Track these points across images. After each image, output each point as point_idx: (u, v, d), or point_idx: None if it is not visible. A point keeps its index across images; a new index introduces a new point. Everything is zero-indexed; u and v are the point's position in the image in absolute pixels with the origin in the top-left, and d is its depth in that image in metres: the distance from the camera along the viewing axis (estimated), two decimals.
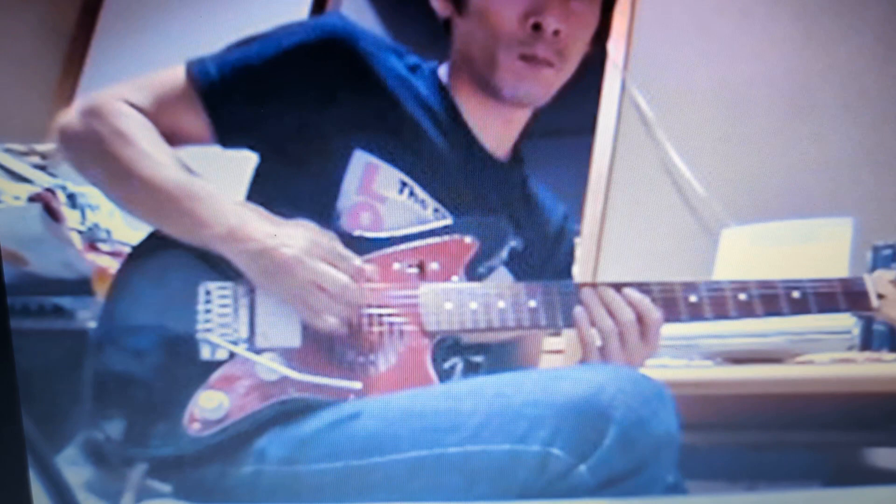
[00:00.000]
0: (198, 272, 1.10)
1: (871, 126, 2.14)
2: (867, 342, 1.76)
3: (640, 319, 1.12)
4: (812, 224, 1.91)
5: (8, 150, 1.84)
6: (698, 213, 2.21)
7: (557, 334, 1.89)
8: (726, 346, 1.73)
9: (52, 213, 1.63)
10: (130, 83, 1.17)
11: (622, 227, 2.29)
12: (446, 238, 1.16)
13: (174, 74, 1.17)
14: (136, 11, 2.94)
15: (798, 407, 1.74)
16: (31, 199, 1.69)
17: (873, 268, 1.80)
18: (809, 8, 2.27)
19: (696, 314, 1.15)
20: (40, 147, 1.87)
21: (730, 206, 2.16)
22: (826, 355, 1.66)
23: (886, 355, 1.69)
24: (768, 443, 1.92)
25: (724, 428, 1.89)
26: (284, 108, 1.16)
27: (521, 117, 1.26)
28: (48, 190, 1.72)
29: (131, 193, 1.13)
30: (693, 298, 1.15)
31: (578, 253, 2.20)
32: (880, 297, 1.20)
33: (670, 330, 1.82)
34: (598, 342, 1.12)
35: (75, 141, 1.16)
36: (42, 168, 1.85)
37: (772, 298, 1.16)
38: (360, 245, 1.13)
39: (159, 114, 1.15)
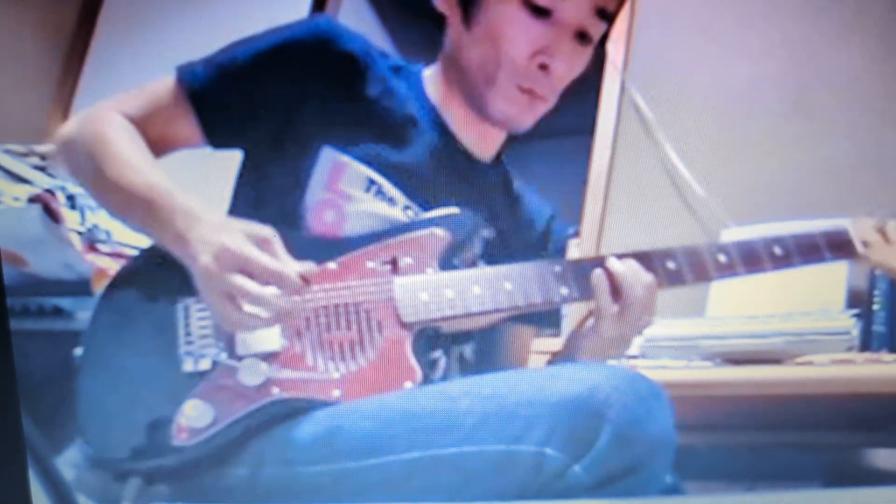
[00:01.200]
0: (179, 285, 1.09)
1: (871, 127, 2.13)
2: (866, 343, 1.75)
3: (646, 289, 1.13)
4: (812, 225, 1.90)
5: (7, 151, 1.84)
6: (698, 214, 2.21)
7: (556, 335, 1.89)
8: (726, 347, 1.73)
9: (51, 215, 1.63)
10: (124, 95, 1.20)
11: (622, 228, 2.28)
12: (418, 233, 1.16)
13: (165, 82, 1.20)
14: (136, 11, 2.94)
15: (798, 407, 1.74)
16: (31, 200, 1.70)
17: (872, 272, 1.79)
18: (809, 8, 2.26)
19: (676, 280, 1.15)
20: (40, 148, 1.87)
21: (729, 207, 2.16)
22: (825, 356, 1.65)
23: (886, 356, 1.69)
24: (768, 443, 1.92)
25: (723, 428, 1.89)
26: (267, 104, 1.17)
27: (498, 134, 1.28)
28: (48, 191, 1.72)
29: (108, 195, 1.15)
30: (671, 265, 1.15)
31: (578, 253, 2.20)
32: (865, 244, 1.20)
33: (670, 330, 1.81)
34: (614, 309, 1.13)
35: (69, 146, 1.19)
36: (41, 169, 1.85)
37: (753, 256, 1.16)
38: (332, 248, 1.13)
39: (150, 120, 1.18)
